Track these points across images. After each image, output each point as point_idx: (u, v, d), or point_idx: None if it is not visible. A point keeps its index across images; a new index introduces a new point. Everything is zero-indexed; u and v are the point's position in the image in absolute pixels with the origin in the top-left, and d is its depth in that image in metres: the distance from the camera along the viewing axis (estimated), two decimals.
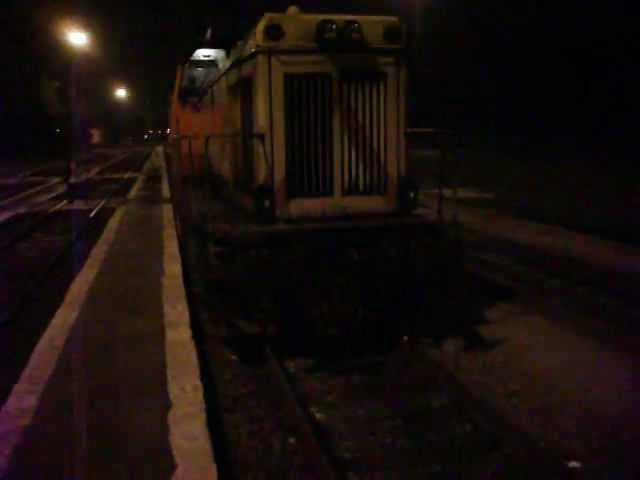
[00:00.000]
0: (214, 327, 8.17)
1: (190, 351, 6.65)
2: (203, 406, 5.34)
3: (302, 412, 5.71)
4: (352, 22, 7.05)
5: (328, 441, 5.35)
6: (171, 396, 5.54)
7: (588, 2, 39.39)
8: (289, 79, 7.08)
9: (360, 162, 7.40)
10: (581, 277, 10.37)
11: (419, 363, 6.92)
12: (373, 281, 6.96)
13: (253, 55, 7.19)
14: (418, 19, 40.49)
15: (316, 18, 7.05)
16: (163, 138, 75.14)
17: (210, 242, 7.27)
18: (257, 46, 7.06)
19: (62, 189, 27.98)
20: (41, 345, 7.00)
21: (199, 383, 5.82)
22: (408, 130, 7.62)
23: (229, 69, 8.86)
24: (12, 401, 5.54)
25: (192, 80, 13.51)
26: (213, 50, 13.05)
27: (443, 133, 7.91)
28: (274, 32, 6.98)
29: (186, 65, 13.77)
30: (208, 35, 12.81)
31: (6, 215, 18.88)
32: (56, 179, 34.45)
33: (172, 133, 17.42)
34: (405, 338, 7.40)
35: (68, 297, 8.97)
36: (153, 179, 32.56)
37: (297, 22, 7.14)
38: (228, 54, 9.97)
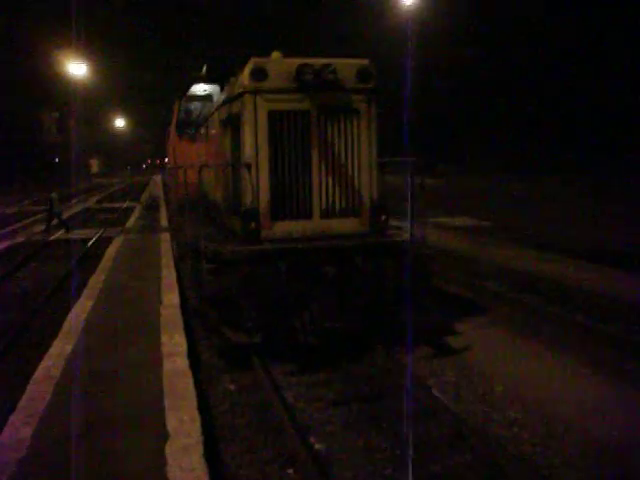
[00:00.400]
0: (211, 355, 8.14)
1: (187, 381, 6.60)
2: (201, 437, 5.28)
3: (301, 442, 5.65)
4: (328, 65, 7.85)
5: (327, 472, 5.28)
6: (168, 427, 5.48)
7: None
8: (272, 115, 7.89)
9: (336, 189, 8.20)
10: (578, 303, 10.37)
11: (417, 392, 6.87)
12: (349, 295, 7.72)
13: (241, 94, 8.03)
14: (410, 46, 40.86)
15: (296, 62, 7.89)
16: (162, 167, 75.51)
17: (203, 260, 7.96)
18: (244, 86, 7.92)
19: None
20: (37, 376, 6.94)
21: (197, 414, 5.76)
22: (380, 160, 8.40)
23: (221, 105, 9.62)
24: (8, 432, 5.48)
25: (189, 113, 14.21)
26: (209, 85, 13.48)
27: (412, 161, 8.56)
28: (259, 74, 7.84)
29: (183, 100, 14.45)
30: (204, 71, 13.31)
31: (4, 244, 18.86)
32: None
33: (170, 163, 18.14)
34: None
35: (65, 327, 8.92)
36: (151, 208, 32.58)
37: (279, 65, 8.00)
38: (222, 89, 10.54)
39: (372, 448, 5.77)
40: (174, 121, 15.09)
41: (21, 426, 5.59)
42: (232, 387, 7.27)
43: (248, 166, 7.89)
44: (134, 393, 6.36)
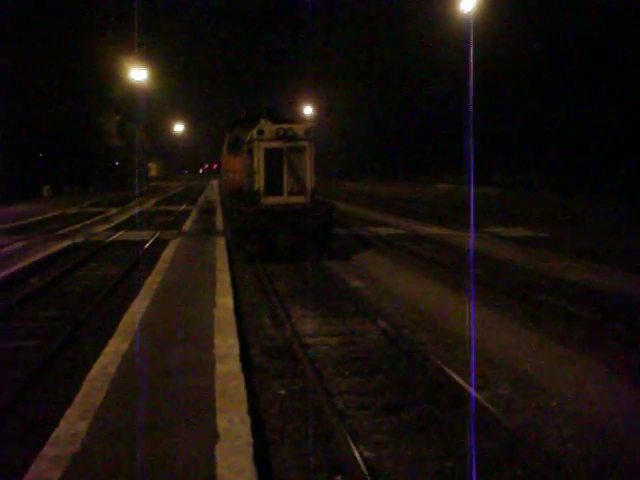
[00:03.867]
0: (263, 360, 8.19)
1: (239, 384, 6.66)
2: (250, 440, 5.32)
3: (350, 449, 5.63)
4: (290, 127, 16.51)
5: None
6: (219, 428, 5.54)
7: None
8: (266, 150, 16.34)
9: (294, 183, 16.55)
10: (638, 321, 10.07)
11: (469, 404, 6.77)
12: (299, 231, 15.91)
13: (252, 140, 16.63)
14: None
15: (276, 126, 16.57)
16: (217, 172, 76.65)
17: (235, 213, 18.04)
18: (253, 137, 16.51)
19: (119, 220, 28.61)
20: (93, 372, 7.10)
21: (247, 416, 5.80)
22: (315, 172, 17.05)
23: (247, 143, 17.64)
24: (63, 426, 5.62)
25: (234, 139, 21.25)
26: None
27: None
28: (260, 132, 16.35)
29: (230, 131, 22.44)
30: (243, 114, 22.42)
31: (64, 244, 19.36)
32: (114, 210, 35.26)
33: (223, 169, 27.10)
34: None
35: (121, 326, 9.11)
36: (207, 212, 33.03)
37: (269, 128, 16.51)
38: (253, 126, 17.43)
39: (421, 459, 5.70)
40: (225, 144, 23.17)
41: (77, 421, 5.73)
42: (282, 392, 7.29)
43: (255, 171, 16.45)
44: (186, 393, 6.45)
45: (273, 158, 16.27)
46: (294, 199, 16.52)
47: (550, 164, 51.98)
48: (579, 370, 7.93)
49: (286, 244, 15.95)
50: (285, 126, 16.57)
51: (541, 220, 26.02)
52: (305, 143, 16.46)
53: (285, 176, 16.44)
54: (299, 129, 16.58)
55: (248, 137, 17.39)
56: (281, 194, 16.49)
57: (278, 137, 16.22)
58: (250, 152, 16.95)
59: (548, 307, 11.00)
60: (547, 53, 50.10)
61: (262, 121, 17.24)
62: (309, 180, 16.58)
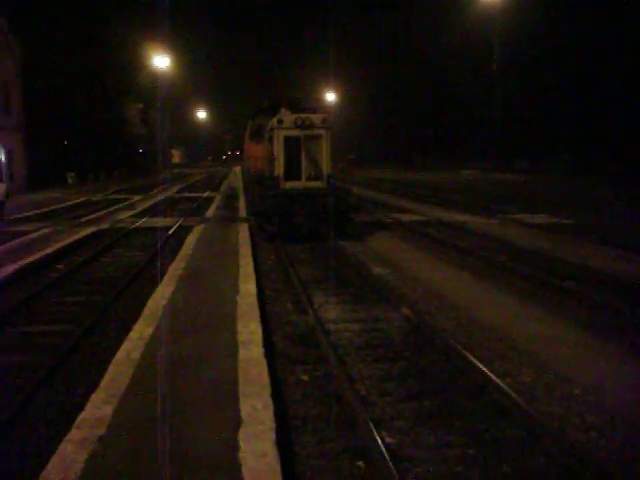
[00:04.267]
0: (286, 345, 8.23)
1: (262, 369, 6.69)
2: (273, 425, 5.35)
3: (372, 435, 5.64)
4: (307, 117, 17.67)
5: (397, 467, 5.23)
6: (242, 413, 5.58)
7: None
8: (285, 138, 17.49)
9: (311, 168, 17.71)
10: None
11: (491, 391, 6.74)
12: (316, 213, 17.17)
13: (273, 129, 17.72)
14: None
15: (294, 115, 17.83)
16: (240, 158, 76.98)
17: (257, 197, 19.05)
18: (274, 126, 17.66)
19: (143, 206, 28.78)
20: (118, 357, 7.18)
21: (270, 401, 5.84)
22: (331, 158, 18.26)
23: (268, 131, 18.71)
24: (89, 410, 5.70)
25: (256, 127, 22.68)
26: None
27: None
28: (280, 121, 17.52)
29: (252, 119, 24.16)
30: (265, 103, 23.70)
31: (89, 231, 19.53)
32: (137, 197, 35.48)
33: (245, 155, 28.58)
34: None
35: (145, 312, 9.19)
36: (230, 198, 33.11)
37: (288, 117, 17.80)
38: (274, 115, 18.88)
39: (443, 445, 5.70)
40: (248, 132, 25.03)
41: (102, 405, 5.81)
42: (305, 377, 7.32)
43: (275, 158, 17.58)
44: (210, 378, 6.50)
45: (292, 145, 17.47)
46: (312, 184, 17.65)
47: (575, 150, 51.37)
48: (603, 359, 7.85)
49: (304, 225, 17.12)
50: (303, 115, 17.83)
51: (566, 206, 25.74)
52: (322, 131, 17.60)
53: (303, 162, 17.59)
54: (316, 118, 17.80)
55: (269, 125, 18.55)
56: (299, 179, 17.64)
57: (296, 126, 17.44)
58: (271, 140, 18.08)
59: (573, 295, 10.90)
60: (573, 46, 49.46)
61: (282, 110, 18.81)
62: (325, 166, 17.73)
